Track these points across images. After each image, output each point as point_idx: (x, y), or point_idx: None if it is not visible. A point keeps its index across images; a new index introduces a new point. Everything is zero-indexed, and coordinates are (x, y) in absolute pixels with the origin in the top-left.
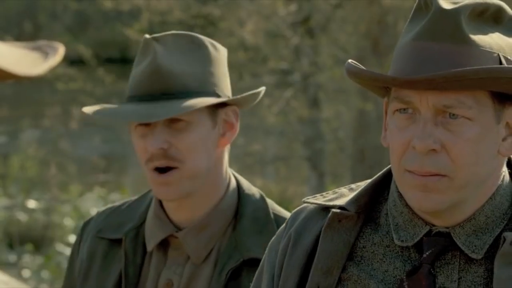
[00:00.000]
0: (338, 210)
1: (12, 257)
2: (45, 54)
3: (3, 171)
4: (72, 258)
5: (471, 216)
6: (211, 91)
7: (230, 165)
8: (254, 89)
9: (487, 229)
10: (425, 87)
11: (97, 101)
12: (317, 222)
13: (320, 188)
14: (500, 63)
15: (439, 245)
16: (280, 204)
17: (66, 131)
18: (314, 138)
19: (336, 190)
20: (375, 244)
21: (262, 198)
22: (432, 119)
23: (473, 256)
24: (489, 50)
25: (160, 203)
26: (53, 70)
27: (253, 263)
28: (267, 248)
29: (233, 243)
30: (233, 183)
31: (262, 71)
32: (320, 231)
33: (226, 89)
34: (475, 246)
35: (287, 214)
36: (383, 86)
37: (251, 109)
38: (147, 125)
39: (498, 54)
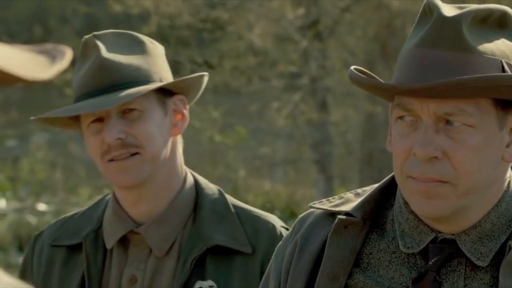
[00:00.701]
0: (344, 217)
1: (21, 260)
2: (52, 57)
3: (13, 174)
4: (23, 274)
5: (477, 223)
6: (157, 80)
7: (239, 168)
8: (263, 94)
9: (493, 236)
10: (425, 95)
11: None
12: (323, 228)
13: (328, 191)
14: (503, 70)
15: (444, 252)
16: (288, 207)
17: (75, 135)
18: (323, 141)
19: (342, 195)
20: (381, 250)
21: (220, 192)
22: (434, 126)
23: (479, 263)
24: (491, 57)
25: (118, 201)
26: (61, 75)
27: (216, 251)
28: (273, 254)
29: (194, 234)
30: (190, 178)
31: (270, 74)
32: (327, 237)
33: (170, 79)
34: (480, 253)
35: (247, 206)
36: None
37: (259, 112)
38: (100, 120)
39: (501, 61)
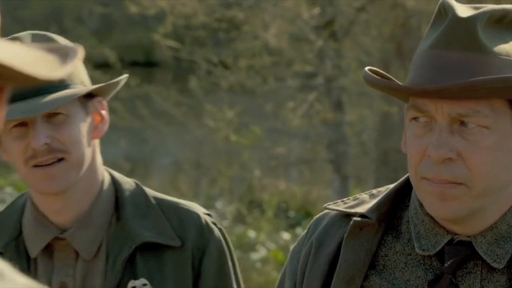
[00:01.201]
0: (359, 218)
1: None
2: (64, 56)
3: None
4: None
5: (493, 224)
6: (78, 83)
7: (254, 168)
8: (278, 94)
9: (509, 237)
10: (439, 96)
11: (121, 104)
12: (338, 229)
13: (343, 191)
14: None
15: (460, 254)
16: (303, 206)
17: None
18: (338, 141)
19: (357, 196)
20: (397, 252)
21: (137, 185)
22: (448, 128)
23: (495, 265)
24: (506, 57)
25: (37, 207)
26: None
27: (145, 247)
28: (289, 255)
29: (121, 233)
30: (107, 176)
31: (285, 74)
32: (342, 238)
33: (88, 82)
34: (497, 255)
35: (166, 197)
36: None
37: (275, 112)
38: (23, 125)
39: None
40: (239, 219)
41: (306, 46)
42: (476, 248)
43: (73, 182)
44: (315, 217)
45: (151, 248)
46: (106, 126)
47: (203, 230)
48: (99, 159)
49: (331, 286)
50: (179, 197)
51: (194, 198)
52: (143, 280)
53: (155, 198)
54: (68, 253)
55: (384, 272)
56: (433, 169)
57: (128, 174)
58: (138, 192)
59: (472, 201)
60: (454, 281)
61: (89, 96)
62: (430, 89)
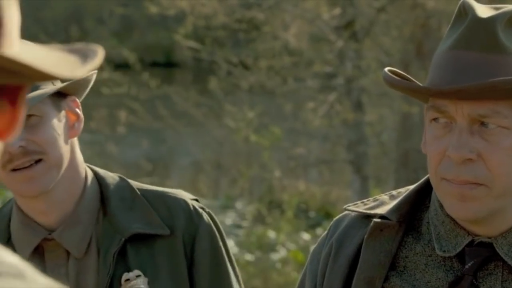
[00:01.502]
0: (379, 220)
1: None
2: (84, 56)
3: None
4: None
5: None
6: (49, 84)
7: (274, 168)
8: (298, 94)
9: None
10: (458, 97)
11: (141, 104)
12: (358, 231)
13: (363, 192)
14: None
15: (481, 255)
16: (323, 207)
17: (112, 135)
18: (358, 142)
19: (377, 197)
20: (417, 253)
21: (122, 179)
22: (468, 128)
23: None
24: None
25: (22, 210)
26: (98, 74)
27: (135, 239)
28: (309, 256)
29: (109, 227)
30: (90, 173)
31: (305, 75)
32: (362, 240)
33: (58, 81)
34: None
35: (151, 187)
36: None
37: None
38: None
39: None
40: (259, 219)
41: (326, 47)
42: (497, 249)
43: (53, 183)
44: (335, 218)
45: (141, 239)
46: (82, 125)
47: (192, 216)
48: (79, 157)
49: (351, 287)
50: (200, 198)
51: (214, 198)
52: (136, 272)
53: (141, 190)
54: (59, 253)
55: (405, 273)
56: (453, 170)
57: (148, 175)
58: (123, 186)
59: (492, 201)
60: (475, 282)
61: (62, 95)
62: (450, 90)
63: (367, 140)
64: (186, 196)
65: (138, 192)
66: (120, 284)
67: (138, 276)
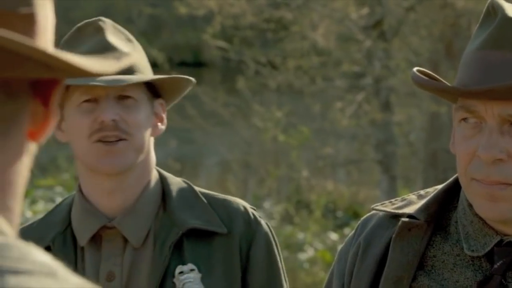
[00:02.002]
0: (407, 219)
1: None
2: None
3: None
4: None
5: None
6: (151, 74)
7: (302, 168)
8: (327, 94)
9: None
10: (488, 97)
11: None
12: (386, 230)
13: (391, 192)
14: None
15: (510, 255)
16: (351, 207)
17: None
18: (386, 142)
19: (405, 197)
20: (445, 253)
21: (184, 181)
22: (498, 128)
23: None
24: None
25: (85, 198)
26: None
27: (192, 234)
28: (336, 255)
29: (167, 221)
30: (155, 172)
31: (334, 74)
32: (390, 239)
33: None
34: None
35: (213, 192)
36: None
37: (323, 112)
38: (93, 101)
39: None
40: (287, 219)
41: (355, 46)
42: None
43: (131, 164)
44: (362, 218)
45: (198, 236)
46: (163, 128)
47: (250, 221)
48: (153, 155)
49: (379, 287)
50: None
51: (242, 198)
52: (190, 266)
53: (202, 193)
54: (116, 242)
55: (433, 272)
56: (483, 170)
57: (177, 174)
58: (185, 187)
59: None
60: (503, 282)
61: (155, 95)
62: (480, 90)
63: (396, 140)
64: (246, 204)
65: (200, 195)
66: (173, 276)
67: (192, 270)
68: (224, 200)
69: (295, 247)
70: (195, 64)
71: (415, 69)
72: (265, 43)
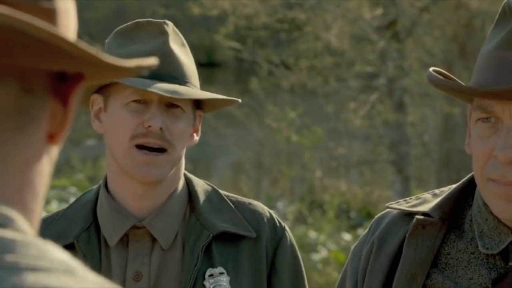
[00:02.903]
0: (422, 217)
1: None
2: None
3: (93, 173)
4: None
5: None
6: (196, 86)
7: (315, 168)
8: (340, 94)
9: None
10: (505, 97)
11: None
12: (400, 228)
13: (405, 193)
14: None
15: None
16: (364, 207)
17: None
18: (399, 142)
19: (419, 195)
20: (459, 251)
21: (207, 183)
22: None
23: None
24: None
25: (112, 197)
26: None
27: (221, 237)
28: (350, 253)
29: (196, 223)
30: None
31: (347, 75)
32: (404, 237)
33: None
34: None
35: (239, 197)
36: None
37: (336, 113)
38: (142, 103)
39: None
40: (300, 219)
41: (368, 47)
42: None
43: (166, 176)
44: (376, 216)
45: (227, 239)
46: (197, 139)
47: (276, 226)
48: (183, 162)
49: (393, 284)
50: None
51: (255, 198)
52: (220, 269)
53: (227, 196)
54: (144, 243)
55: (447, 270)
56: (500, 170)
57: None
58: (210, 189)
59: None
60: None
61: (196, 107)
62: (497, 90)
63: (409, 140)
64: (271, 211)
65: (225, 197)
66: (203, 279)
67: (221, 273)
68: (250, 204)
69: (308, 247)
70: (208, 64)
71: (431, 69)
72: (279, 43)
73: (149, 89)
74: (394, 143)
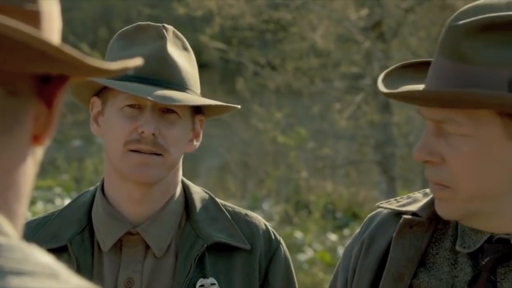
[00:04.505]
0: (410, 216)
1: None
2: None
3: (78, 174)
4: None
5: None
6: (197, 92)
7: (301, 169)
8: (326, 95)
9: None
10: (418, 103)
11: None
12: (390, 228)
13: (390, 193)
14: (509, 82)
15: (499, 252)
16: (350, 208)
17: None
18: (385, 143)
19: (411, 195)
20: (446, 249)
21: (206, 192)
22: (435, 131)
23: None
24: (495, 69)
25: (108, 202)
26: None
27: (215, 248)
28: (342, 253)
29: (191, 232)
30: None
31: (333, 75)
32: (392, 237)
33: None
34: None
35: (233, 205)
36: None
37: (322, 113)
38: (136, 107)
39: (509, 74)
40: (286, 220)
41: (354, 47)
42: None
43: (161, 178)
44: (368, 216)
45: (220, 249)
46: (197, 145)
47: (271, 239)
48: (180, 167)
49: (380, 283)
50: (227, 198)
51: (241, 199)
52: (211, 280)
53: (224, 205)
54: (138, 249)
55: (433, 269)
56: (427, 170)
57: None
58: (207, 197)
59: (463, 204)
60: (492, 278)
61: (196, 111)
62: (401, 94)
63: (395, 141)
64: (266, 222)
65: (222, 207)
66: None
67: (212, 284)
68: (246, 215)
69: (294, 248)
70: None
71: (380, 76)
72: (264, 44)
73: (140, 95)
74: (380, 144)
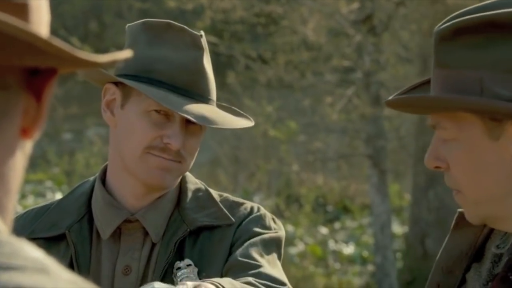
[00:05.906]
0: None
1: None
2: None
3: (69, 168)
4: None
5: None
6: (215, 100)
7: (292, 162)
8: (317, 88)
9: None
10: (405, 110)
11: None
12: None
13: (381, 186)
14: (481, 84)
15: None
16: (341, 201)
17: None
18: (376, 136)
19: None
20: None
21: (202, 184)
22: (439, 138)
23: None
24: (467, 71)
25: (108, 191)
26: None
27: (198, 231)
28: None
29: (178, 218)
30: None
31: (324, 69)
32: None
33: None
34: None
35: (232, 197)
36: None
37: (313, 107)
38: (166, 115)
39: (480, 75)
40: (277, 213)
41: (345, 41)
42: None
43: (174, 185)
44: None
45: (203, 231)
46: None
47: (253, 210)
48: None
49: (429, 276)
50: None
51: (232, 192)
52: (187, 261)
53: (219, 195)
54: (136, 236)
55: (483, 265)
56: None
57: None
58: (200, 188)
59: (475, 208)
60: (510, 277)
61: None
62: (392, 101)
63: (386, 134)
64: (260, 206)
65: (213, 197)
66: (173, 272)
67: (188, 265)
68: (237, 201)
69: (285, 241)
70: None
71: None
72: (255, 37)
73: (180, 112)
74: (371, 137)
